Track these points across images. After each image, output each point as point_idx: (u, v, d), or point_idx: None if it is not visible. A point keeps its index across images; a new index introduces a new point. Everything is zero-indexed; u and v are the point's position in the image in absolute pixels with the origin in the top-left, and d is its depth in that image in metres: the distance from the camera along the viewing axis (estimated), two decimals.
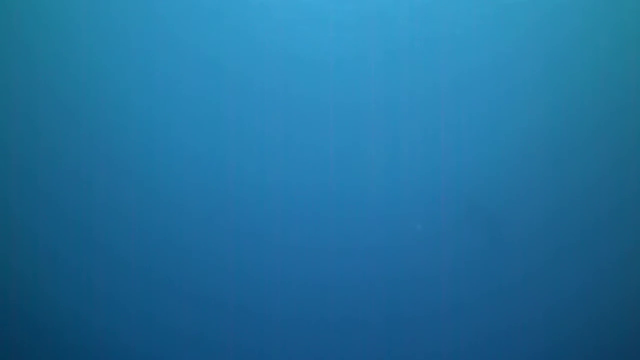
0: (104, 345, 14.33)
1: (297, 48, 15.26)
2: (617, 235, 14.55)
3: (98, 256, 14.75)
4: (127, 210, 15.09)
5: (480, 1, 14.03)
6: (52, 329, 14.28)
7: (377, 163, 15.58)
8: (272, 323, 14.78)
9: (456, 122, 15.34)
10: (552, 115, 15.08)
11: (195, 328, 14.62)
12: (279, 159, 15.74)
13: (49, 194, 14.88)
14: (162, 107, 15.57)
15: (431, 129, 15.41)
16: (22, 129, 14.79)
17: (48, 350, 14.12)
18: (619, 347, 14.01)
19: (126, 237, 14.97)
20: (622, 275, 14.40)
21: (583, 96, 14.95)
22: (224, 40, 15.21)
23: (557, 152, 15.10)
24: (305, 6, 14.46)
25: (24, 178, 14.76)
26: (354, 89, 15.37)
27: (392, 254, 15.08)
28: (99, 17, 14.76)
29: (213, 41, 15.25)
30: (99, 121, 15.25)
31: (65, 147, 15.04)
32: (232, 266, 15.04)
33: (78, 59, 15.00)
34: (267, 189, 15.64)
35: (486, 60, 15.06)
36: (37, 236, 14.63)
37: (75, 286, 14.54)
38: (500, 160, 15.27)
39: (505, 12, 14.28)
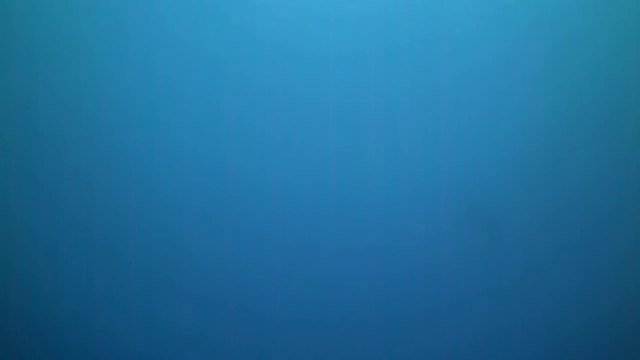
0: (104, 345, 14.33)
1: (298, 47, 15.28)
2: (618, 235, 14.55)
3: (98, 255, 14.75)
4: (127, 209, 15.09)
5: (480, 1, 14.05)
6: (51, 328, 14.28)
7: (376, 162, 15.59)
8: (272, 323, 14.79)
9: (456, 121, 15.34)
10: (552, 115, 15.08)
11: (195, 327, 14.62)
12: (278, 159, 15.74)
13: (49, 193, 14.89)
14: (162, 106, 15.58)
15: (431, 128, 15.42)
16: (21, 128, 14.80)
17: (48, 349, 14.12)
18: (619, 347, 14.01)
19: (126, 236, 14.97)
20: (623, 274, 14.40)
21: (583, 96, 14.95)
22: (223, 38, 15.23)
23: (557, 151, 15.10)
24: (305, 5, 14.48)
25: (23, 177, 14.76)
26: (354, 88, 15.38)
27: (391, 253, 15.08)
28: (99, 16, 14.78)
29: (213, 40, 15.27)
30: (99, 120, 15.25)
31: (65, 146, 15.04)
32: (233, 266, 15.04)
33: (78, 58, 15.02)
34: (267, 188, 15.64)
35: (485, 60, 15.07)
36: (37, 235, 14.63)
37: (75, 285, 14.54)
38: (501, 160, 15.28)
39: (506, 11, 14.30)
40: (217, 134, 15.68)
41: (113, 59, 15.12)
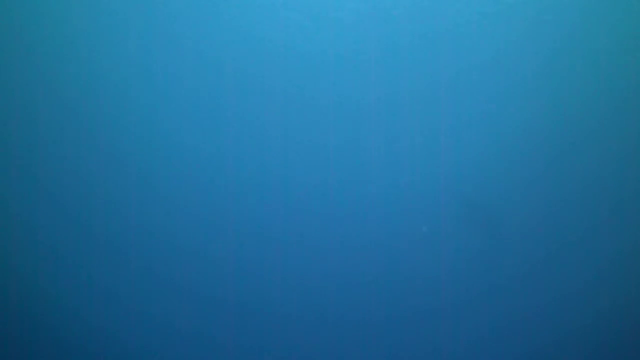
0: (105, 343, 14.31)
1: (297, 45, 15.31)
2: (617, 232, 14.59)
3: (98, 254, 14.75)
4: (127, 208, 15.09)
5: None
6: (52, 327, 14.26)
7: (375, 161, 15.61)
8: (273, 321, 14.79)
9: (455, 120, 15.37)
10: (551, 114, 15.12)
11: (195, 325, 14.62)
12: (279, 158, 15.75)
13: (49, 192, 14.88)
14: (163, 105, 15.59)
15: (429, 127, 15.44)
16: (21, 127, 14.80)
17: (48, 348, 14.10)
18: (619, 345, 14.04)
19: (126, 235, 14.97)
20: (622, 272, 14.43)
21: (582, 94, 14.99)
22: (223, 37, 15.25)
23: (556, 150, 15.13)
24: (305, 3, 14.52)
25: (23, 176, 14.76)
26: (353, 87, 15.41)
27: (391, 251, 15.09)
28: (99, 14, 14.80)
29: (213, 38, 15.29)
30: (99, 119, 15.26)
31: (65, 145, 15.04)
32: (233, 264, 15.04)
33: (78, 56, 15.03)
34: (267, 187, 15.65)
35: (484, 59, 15.11)
36: (37, 234, 14.63)
37: (75, 284, 14.53)
38: (500, 159, 15.30)
39: (506, 9, 14.36)
40: (217, 133, 15.69)
41: (113, 57, 15.14)
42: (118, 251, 14.85)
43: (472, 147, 15.36)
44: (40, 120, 14.95)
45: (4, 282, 14.21)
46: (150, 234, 15.14)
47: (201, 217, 15.35)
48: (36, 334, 14.19)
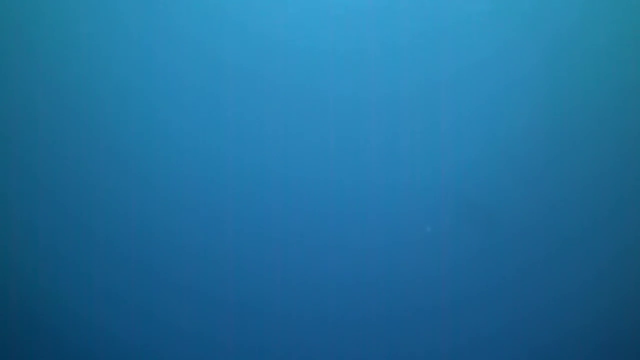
0: (105, 343, 14.36)
1: (297, 44, 15.27)
2: (616, 231, 14.57)
3: (99, 254, 14.77)
4: (128, 206, 15.10)
5: None
6: (52, 327, 14.31)
7: (374, 161, 15.59)
8: (274, 320, 14.82)
9: (454, 118, 15.34)
10: (551, 112, 15.08)
11: (195, 325, 14.65)
12: (279, 157, 15.74)
13: (50, 191, 14.89)
14: (162, 103, 15.57)
15: (429, 126, 15.41)
16: (21, 126, 14.79)
17: (49, 348, 14.15)
18: (619, 343, 14.05)
19: (127, 234, 14.99)
20: (622, 271, 14.43)
21: (583, 93, 14.95)
22: (223, 34, 15.21)
23: (555, 148, 15.10)
24: (305, 1, 14.48)
25: (23, 175, 14.77)
26: (353, 86, 15.38)
27: (390, 252, 15.09)
28: (99, 12, 14.76)
29: (212, 36, 15.25)
30: (99, 117, 15.25)
31: (65, 144, 15.04)
32: (233, 264, 15.06)
33: (77, 55, 15.00)
34: (268, 186, 15.65)
35: (482, 58, 15.06)
36: (37, 233, 14.65)
37: (75, 284, 14.56)
38: (499, 157, 15.27)
39: (506, 8, 14.29)
40: (216, 132, 15.68)
41: (113, 56, 15.11)
42: (118, 251, 14.87)
43: (472, 146, 15.32)
44: (40, 119, 14.94)
45: (4, 282, 14.24)
46: (151, 233, 15.16)
47: (201, 216, 15.36)
48: (36, 334, 14.23)
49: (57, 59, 14.99)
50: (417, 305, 14.69)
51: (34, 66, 14.86)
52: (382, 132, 15.47)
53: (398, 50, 15.13)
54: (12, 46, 14.72)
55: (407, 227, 15.14)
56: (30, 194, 14.77)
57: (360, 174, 15.56)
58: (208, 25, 15.20)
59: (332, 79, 15.40)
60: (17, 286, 14.28)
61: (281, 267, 15.07)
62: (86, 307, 14.51)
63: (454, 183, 15.15)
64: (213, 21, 15.14)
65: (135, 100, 15.47)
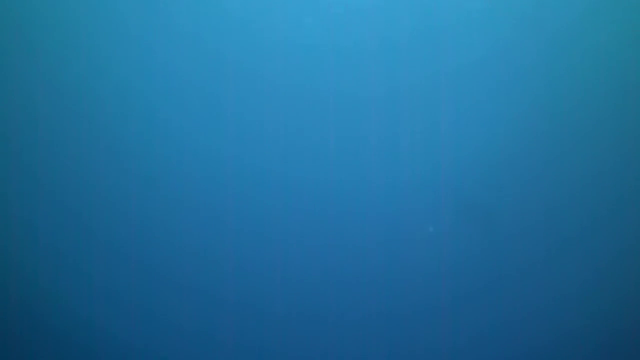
0: (106, 343, 14.35)
1: (296, 43, 15.28)
2: (616, 230, 14.57)
3: (99, 253, 14.77)
4: (128, 206, 15.10)
5: None
6: (52, 327, 14.30)
7: (373, 159, 15.59)
8: (274, 320, 14.81)
9: (453, 117, 15.34)
10: (550, 111, 15.08)
11: (195, 324, 14.65)
12: (279, 156, 15.75)
13: (50, 191, 14.90)
14: (163, 102, 15.58)
15: (428, 125, 15.42)
16: (21, 124, 14.80)
17: (49, 348, 14.14)
18: (618, 342, 14.03)
19: (127, 233, 14.99)
20: (621, 269, 14.42)
21: (583, 92, 14.95)
22: (223, 32, 15.23)
23: (554, 147, 15.10)
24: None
25: (23, 174, 14.77)
26: (353, 85, 15.38)
27: (389, 251, 15.09)
28: (99, 11, 14.78)
29: (212, 33, 15.27)
30: (99, 116, 15.25)
31: (65, 143, 15.05)
32: (234, 263, 15.06)
33: (77, 53, 15.01)
34: (268, 185, 15.65)
35: (483, 57, 15.07)
36: (37, 233, 14.65)
37: (76, 283, 14.56)
38: (498, 156, 15.27)
39: (506, 6, 14.31)
40: (216, 130, 15.68)
41: (113, 56, 15.12)
42: (118, 251, 14.86)
43: (471, 145, 15.32)
44: (40, 119, 14.94)
45: (4, 282, 14.24)
46: (152, 232, 15.15)
47: (201, 216, 15.36)
48: (36, 334, 14.23)
49: (57, 59, 15.00)
50: (417, 304, 14.68)
51: (34, 66, 14.87)
52: (381, 130, 15.47)
53: (397, 49, 15.15)
54: (12, 46, 14.73)
55: (406, 225, 15.13)
56: (30, 193, 14.77)
57: (359, 172, 15.56)
58: (208, 24, 15.22)
59: (331, 77, 15.41)
60: (17, 286, 14.27)
61: (281, 267, 15.07)
62: (86, 307, 14.50)
63: (453, 182, 15.15)
64: (212, 20, 15.16)
65: (135, 100, 15.48)
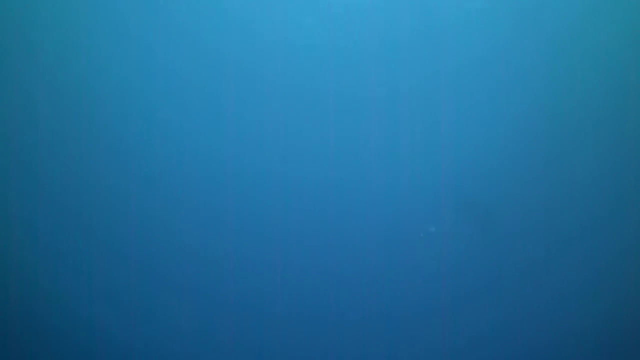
0: (106, 342, 14.35)
1: (296, 43, 15.28)
2: (615, 229, 14.56)
3: (99, 253, 14.77)
4: (128, 205, 15.10)
5: None
6: (52, 326, 14.30)
7: (373, 159, 15.59)
8: (274, 319, 14.81)
9: (453, 117, 15.34)
10: (549, 110, 15.08)
11: (196, 325, 14.64)
12: (279, 156, 15.75)
13: (50, 191, 14.89)
14: (163, 102, 15.58)
15: (427, 124, 15.42)
16: (21, 124, 14.80)
17: (49, 348, 14.13)
18: (618, 341, 14.03)
19: (127, 233, 14.99)
20: (621, 269, 14.41)
21: (583, 91, 14.95)
22: (223, 32, 15.23)
23: (554, 146, 15.10)
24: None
25: (23, 174, 14.77)
26: (353, 85, 15.39)
27: (389, 251, 15.09)
28: (99, 11, 14.78)
29: (212, 33, 15.27)
30: (99, 116, 15.25)
31: (65, 143, 15.05)
32: (234, 262, 15.05)
33: (78, 54, 15.01)
34: (268, 184, 15.65)
35: (483, 56, 15.07)
36: (37, 233, 14.65)
37: (76, 283, 14.56)
38: (498, 155, 15.28)
39: (506, 6, 14.31)
40: (216, 130, 15.69)
41: (113, 56, 15.12)
42: (118, 251, 14.86)
43: (471, 144, 15.33)
44: (40, 119, 14.95)
45: (4, 282, 14.24)
46: (152, 232, 15.15)
47: (201, 216, 15.36)
48: (36, 334, 14.22)
49: (57, 59, 15.00)
50: (417, 304, 14.68)
51: (34, 66, 14.87)
52: (381, 130, 15.48)
53: (397, 49, 15.15)
54: (12, 46, 14.73)
55: (406, 225, 15.14)
56: (30, 193, 14.77)
57: (359, 172, 15.56)
58: (208, 24, 15.23)
59: (331, 77, 15.42)
60: (17, 286, 14.27)
61: (281, 267, 15.07)
62: (86, 307, 14.50)
63: (453, 181, 15.15)
64: (212, 20, 15.17)
65: (135, 100, 15.48)
